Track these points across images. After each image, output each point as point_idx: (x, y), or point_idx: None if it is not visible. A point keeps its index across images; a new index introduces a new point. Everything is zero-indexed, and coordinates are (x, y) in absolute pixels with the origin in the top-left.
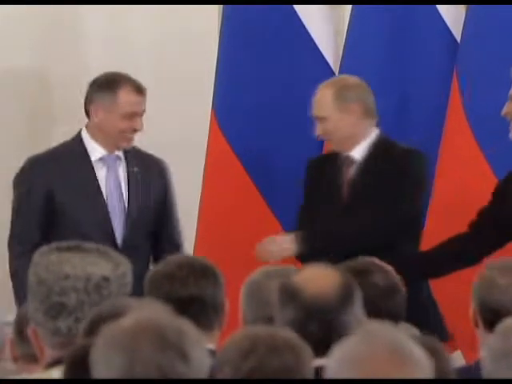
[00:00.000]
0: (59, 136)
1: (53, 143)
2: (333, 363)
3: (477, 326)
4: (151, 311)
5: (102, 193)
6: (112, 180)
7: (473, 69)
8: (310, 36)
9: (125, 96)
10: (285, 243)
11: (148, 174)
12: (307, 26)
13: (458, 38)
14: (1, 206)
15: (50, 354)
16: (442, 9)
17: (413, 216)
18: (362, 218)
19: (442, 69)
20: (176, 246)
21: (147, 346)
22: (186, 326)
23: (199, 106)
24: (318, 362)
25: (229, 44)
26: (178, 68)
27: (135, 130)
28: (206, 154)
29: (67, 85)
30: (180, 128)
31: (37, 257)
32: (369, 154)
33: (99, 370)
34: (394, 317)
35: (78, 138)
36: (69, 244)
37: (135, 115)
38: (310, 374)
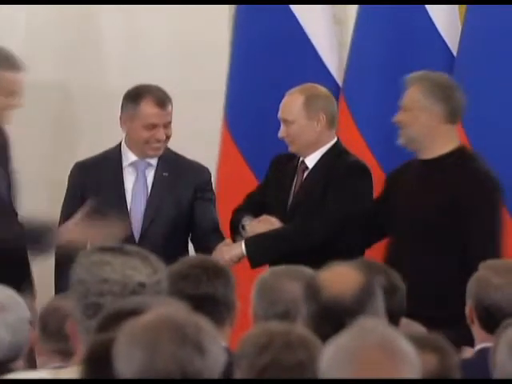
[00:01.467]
0: (81, 145)
1: (75, 151)
2: (326, 357)
3: (473, 322)
4: (170, 308)
5: (125, 196)
6: (140, 184)
7: (468, 80)
8: (314, 49)
9: (146, 108)
10: (234, 246)
11: (178, 179)
12: (312, 39)
13: (455, 53)
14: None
15: (83, 350)
16: (440, 25)
17: (340, 218)
18: (296, 225)
19: None
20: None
21: (167, 341)
22: (203, 322)
23: (212, 114)
24: None
25: (239, 55)
26: (192, 81)
27: (159, 140)
28: (218, 162)
29: (89, 96)
30: (192, 135)
31: (80, 256)
32: (319, 162)
33: (121, 365)
34: (395, 315)
35: (118, 145)
36: (112, 246)
37: (156, 126)
38: None
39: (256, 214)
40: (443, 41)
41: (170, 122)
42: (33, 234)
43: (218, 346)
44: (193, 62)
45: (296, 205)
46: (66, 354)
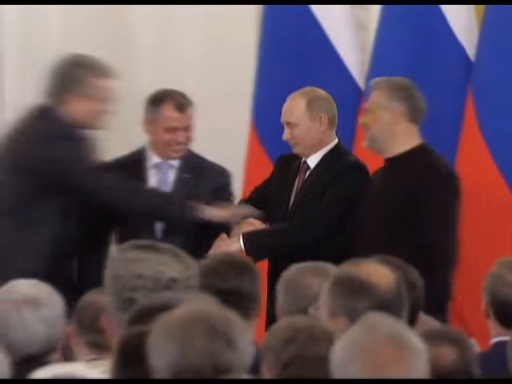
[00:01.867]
0: (112, 146)
1: (107, 152)
2: (337, 350)
3: (488, 317)
4: (201, 303)
5: None
6: (162, 185)
7: (486, 85)
8: (337, 53)
9: (166, 112)
10: (232, 241)
11: (199, 180)
12: (335, 44)
13: (472, 58)
14: None
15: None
16: (458, 31)
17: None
18: (294, 223)
19: (457, 85)
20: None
21: (199, 335)
22: (233, 316)
23: (239, 115)
24: None
25: (265, 57)
26: (220, 83)
27: (179, 143)
28: (245, 162)
29: (121, 99)
30: (220, 136)
31: (116, 253)
32: (320, 162)
33: (155, 357)
34: (414, 309)
35: (142, 148)
36: (145, 244)
37: (177, 129)
38: None
39: (260, 208)
40: (461, 45)
41: (190, 125)
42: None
43: (247, 339)
44: (221, 63)
45: (297, 203)
46: (101, 347)
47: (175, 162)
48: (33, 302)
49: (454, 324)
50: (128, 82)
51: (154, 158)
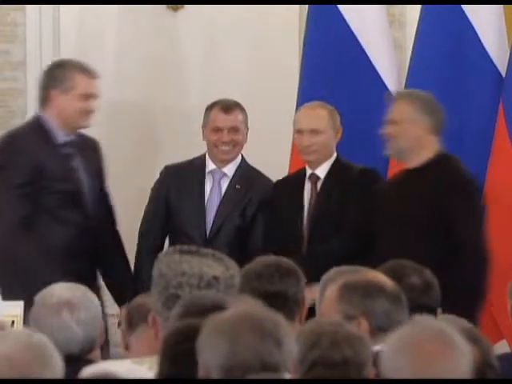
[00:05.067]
0: (162, 158)
1: (156, 165)
2: (387, 349)
3: None
4: (250, 305)
5: (204, 199)
6: (215, 192)
7: None
8: (376, 71)
9: (213, 114)
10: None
11: (248, 193)
12: (374, 62)
13: (503, 73)
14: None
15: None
16: (489, 47)
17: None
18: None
19: (488, 101)
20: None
21: (248, 334)
22: (280, 318)
23: (284, 125)
24: None
25: (307, 74)
26: (263, 99)
27: (224, 143)
28: (289, 170)
29: (169, 113)
30: (267, 144)
31: (161, 255)
32: (330, 173)
33: (206, 354)
34: (432, 309)
35: (204, 154)
36: (189, 248)
37: (221, 129)
38: (367, 362)
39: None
40: (492, 61)
41: (236, 127)
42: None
43: (291, 339)
44: (264, 79)
45: (317, 212)
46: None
47: (229, 172)
48: (70, 305)
49: (486, 324)
50: (178, 95)
51: (210, 165)
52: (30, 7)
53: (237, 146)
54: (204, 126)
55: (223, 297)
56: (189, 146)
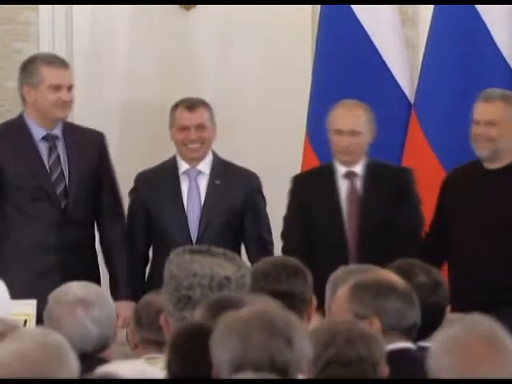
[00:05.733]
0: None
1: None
2: (435, 347)
3: None
4: (264, 304)
5: (182, 202)
6: (193, 191)
7: None
8: (389, 70)
9: (178, 113)
10: None
11: (230, 187)
12: (387, 61)
13: None
14: None
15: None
16: (503, 47)
17: None
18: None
19: None
20: (264, 248)
21: (258, 332)
22: (293, 318)
23: (294, 129)
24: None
25: (319, 73)
26: (275, 99)
27: (192, 141)
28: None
29: None
30: (277, 146)
31: (172, 255)
32: (366, 170)
33: (218, 350)
34: (440, 307)
35: (174, 156)
36: (200, 248)
37: (187, 128)
38: (381, 360)
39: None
40: (505, 61)
41: (202, 125)
42: None
43: (304, 339)
44: (277, 80)
45: (366, 211)
46: (158, 344)
47: (205, 168)
48: (85, 304)
49: None
50: (190, 94)
51: (183, 165)
52: (43, 7)
53: (205, 143)
54: (171, 126)
55: (244, 296)
56: None
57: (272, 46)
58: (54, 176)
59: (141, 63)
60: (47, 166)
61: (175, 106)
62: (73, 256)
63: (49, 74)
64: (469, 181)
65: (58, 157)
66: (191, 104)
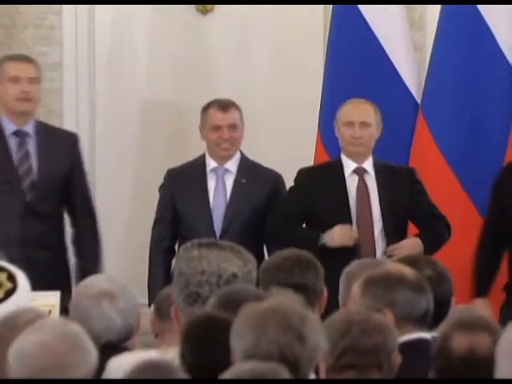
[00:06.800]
0: (193, 156)
1: (187, 160)
2: (504, 339)
3: None
4: (283, 299)
5: (208, 198)
6: (219, 189)
7: None
8: (397, 71)
9: (211, 113)
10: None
11: (255, 186)
12: (395, 63)
13: None
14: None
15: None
16: (506, 50)
17: None
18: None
19: (506, 101)
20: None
21: (272, 326)
22: (308, 313)
23: (307, 124)
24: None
25: (331, 75)
26: (288, 99)
27: (225, 140)
28: None
29: (199, 113)
30: (290, 143)
31: (181, 251)
32: (375, 167)
33: (235, 341)
34: (445, 300)
35: (203, 154)
36: (208, 241)
37: (221, 128)
38: (395, 350)
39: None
40: (509, 64)
41: (234, 125)
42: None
43: (318, 335)
44: (289, 80)
45: (386, 203)
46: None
47: (232, 167)
48: (110, 296)
49: None
50: (208, 95)
51: (211, 163)
52: (66, 11)
53: (236, 142)
54: (202, 126)
55: (260, 291)
56: None
57: (286, 47)
58: (21, 170)
59: (159, 64)
60: (14, 160)
61: (207, 107)
62: (35, 249)
63: (9, 68)
64: None
65: (27, 152)
66: (224, 105)
